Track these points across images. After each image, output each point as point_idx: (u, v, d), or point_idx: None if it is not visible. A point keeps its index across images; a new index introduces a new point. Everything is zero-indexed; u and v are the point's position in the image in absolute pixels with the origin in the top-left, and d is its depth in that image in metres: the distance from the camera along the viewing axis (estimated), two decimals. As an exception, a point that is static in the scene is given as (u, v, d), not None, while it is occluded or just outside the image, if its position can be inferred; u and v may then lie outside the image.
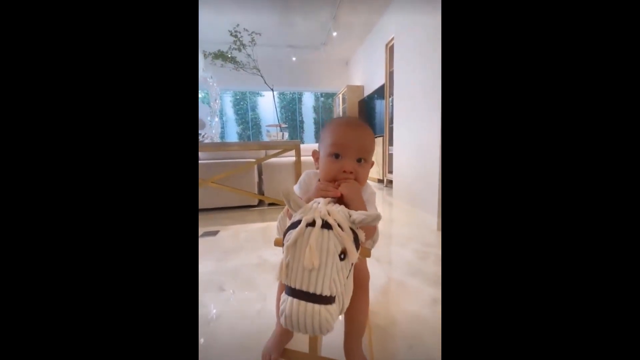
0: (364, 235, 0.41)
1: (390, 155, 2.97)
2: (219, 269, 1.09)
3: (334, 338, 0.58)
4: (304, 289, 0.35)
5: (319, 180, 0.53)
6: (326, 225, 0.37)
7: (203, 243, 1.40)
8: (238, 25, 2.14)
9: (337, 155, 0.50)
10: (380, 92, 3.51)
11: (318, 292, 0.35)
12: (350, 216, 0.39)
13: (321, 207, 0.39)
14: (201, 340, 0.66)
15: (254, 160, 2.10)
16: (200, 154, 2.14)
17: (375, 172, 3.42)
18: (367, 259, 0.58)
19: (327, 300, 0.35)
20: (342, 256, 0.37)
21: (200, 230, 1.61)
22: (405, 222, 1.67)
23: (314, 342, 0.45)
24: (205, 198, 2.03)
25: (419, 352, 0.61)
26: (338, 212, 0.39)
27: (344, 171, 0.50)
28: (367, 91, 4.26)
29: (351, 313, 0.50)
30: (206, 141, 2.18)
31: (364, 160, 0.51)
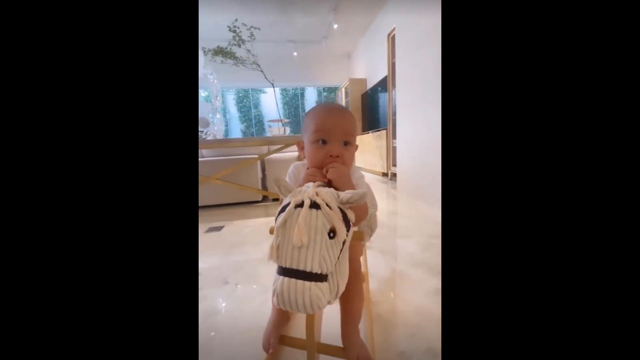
0: (353, 215, 0.41)
1: (394, 149, 2.94)
2: (224, 263, 1.10)
3: (331, 325, 0.58)
4: (294, 266, 0.36)
5: (307, 168, 0.54)
6: (314, 205, 0.37)
7: (208, 238, 1.42)
8: (237, 20, 2.12)
9: (323, 141, 0.51)
10: (383, 84, 3.46)
11: (308, 269, 0.35)
12: (338, 196, 0.40)
13: (310, 189, 0.40)
14: (210, 333, 0.68)
15: (257, 156, 2.11)
16: (204, 151, 2.15)
17: (379, 165, 3.40)
18: (369, 252, 0.59)
19: (318, 277, 0.35)
20: (332, 234, 0.37)
21: (205, 226, 1.63)
22: (409, 215, 1.66)
23: (311, 329, 0.45)
24: (209, 194, 2.05)
25: (420, 341, 0.61)
26: (326, 193, 0.39)
27: (331, 155, 0.50)
28: (370, 84, 4.21)
29: (346, 299, 0.51)
30: (209, 138, 2.19)
31: (349, 143, 0.53)
